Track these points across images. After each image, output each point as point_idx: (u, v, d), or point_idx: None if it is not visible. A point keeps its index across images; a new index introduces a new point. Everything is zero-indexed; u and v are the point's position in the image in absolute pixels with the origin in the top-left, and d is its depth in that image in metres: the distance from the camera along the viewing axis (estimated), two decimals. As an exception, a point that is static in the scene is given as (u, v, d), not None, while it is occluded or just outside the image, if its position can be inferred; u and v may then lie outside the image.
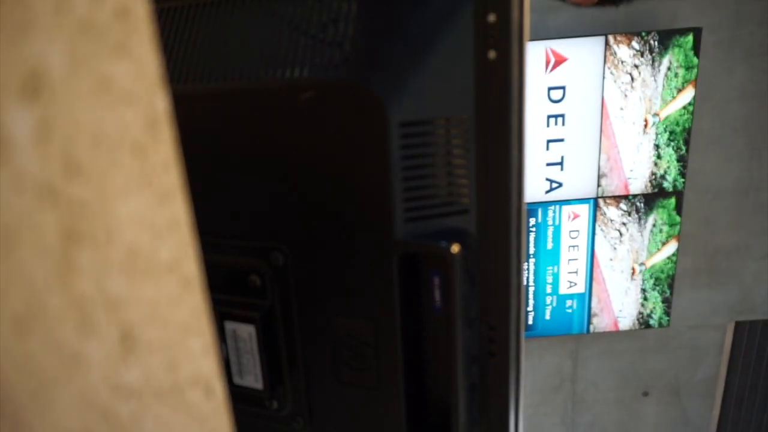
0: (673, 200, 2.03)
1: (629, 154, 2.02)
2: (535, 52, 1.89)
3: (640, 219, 2.07)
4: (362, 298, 0.35)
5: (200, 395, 0.17)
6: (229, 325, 0.37)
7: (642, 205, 2.04)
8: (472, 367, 0.36)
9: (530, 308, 2.23)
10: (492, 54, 0.31)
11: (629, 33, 1.83)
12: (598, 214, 2.07)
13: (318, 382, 0.38)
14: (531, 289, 2.21)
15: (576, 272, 2.16)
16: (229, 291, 0.37)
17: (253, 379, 0.37)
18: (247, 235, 0.36)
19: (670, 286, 2.13)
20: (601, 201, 2.07)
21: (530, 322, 2.23)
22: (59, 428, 0.10)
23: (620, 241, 2.12)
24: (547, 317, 2.20)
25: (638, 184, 2.03)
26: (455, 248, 0.32)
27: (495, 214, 0.33)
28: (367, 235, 0.33)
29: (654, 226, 2.09)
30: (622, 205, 2.05)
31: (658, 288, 2.14)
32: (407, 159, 0.31)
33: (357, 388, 0.37)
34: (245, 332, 0.36)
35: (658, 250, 2.10)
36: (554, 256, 2.15)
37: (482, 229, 0.34)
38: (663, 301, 2.15)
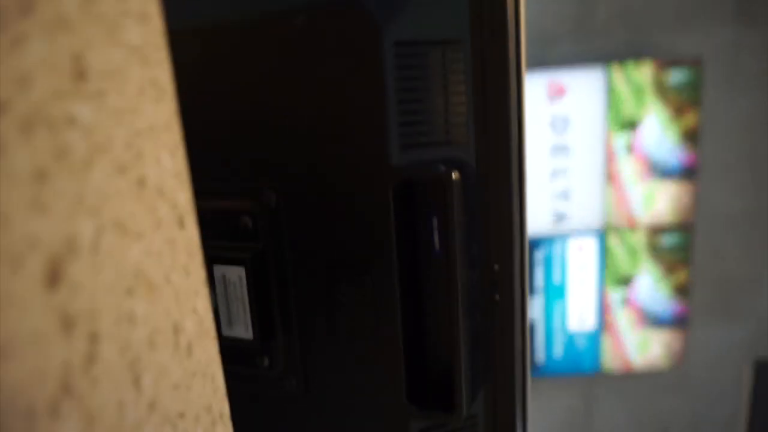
0: (683, 231, 2.01)
1: (634, 185, 2.02)
2: (535, 83, 1.92)
3: (648, 250, 2.04)
4: (358, 236, 0.33)
5: (170, 214, 0.16)
6: (219, 270, 0.35)
7: (650, 236, 2.02)
8: (475, 312, 0.34)
9: (539, 346, 2.17)
10: (487, -23, 0.31)
11: (630, 62, 1.86)
12: (606, 246, 2.04)
13: (312, 334, 0.36)
14: (540, 326, 2.17)
15: (586, 308, 2.11)
16: (219, 235, 0.36)
17: (242, 328, 0.35)
18: (237, 175, 0.35)
19: (684, 322, 2.07)
20: (607, 232, 2.05)
21: (540, 361, 2.16)
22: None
23: (629, 274, 2.08)
24: (557, 356, 2.13)
25: (644, 215, 2.02)
26: (455, 174, 0.31)
27: (494, 144, 0.32)
28: (362, 163, 0.32)
29: (663, 258, 2.06)
30: (630, 237, 2.03)
31: (671, 323, 2.08)
32: (403, 80, 0.31)
33: (353, 338, 0.34)
34: (235, 275, 0.34)
35: (669, 283, 2.06)
36: (562, 291, 2.11)
37: (481, 161, 0.33)
38: (677, 337, 2.09)
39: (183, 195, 0.16)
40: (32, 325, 0.09)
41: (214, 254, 0.35)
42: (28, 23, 0.09)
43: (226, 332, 0.36)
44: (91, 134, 0.12)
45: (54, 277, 0.10)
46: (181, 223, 0.16)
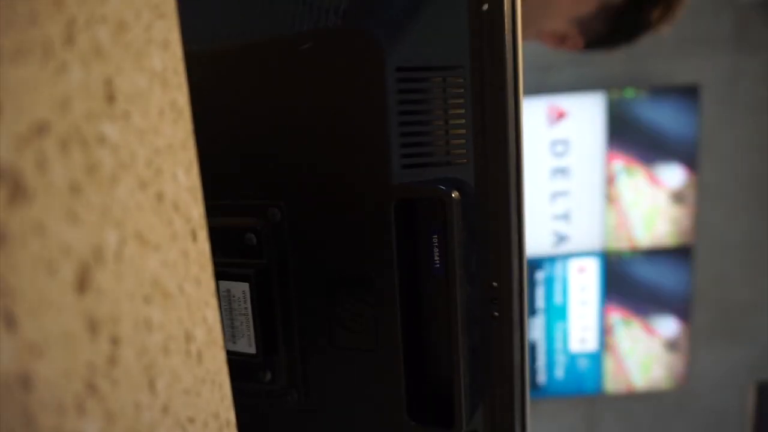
0: (682, 254, 2.01)
1: (635, 207, 2.02)
2: (536, 108, 1.95)
3: (649, 273, 2.04)
4: (360, 253, 0.34)
5: (184, 228, 0.17)
6: (223, 285, 0.36)
7: (651, 258, 2.02)
8: (474, 328, 0.34)
9: (541, 367, 2.16)
10: (486, 6, 0.32)
11: (628, 88, 1.88)
12: (608, 266, 2.04)
13: (313, 349, 0.36)
14: (541, 347, 2.15)
15: (587, 329, 2.10)
16: (223, 253, 0.37)
17: (246, 342, 0.36)
18: (242, 194, 0.36)
19: (687, 344, 2.06)
20: (608, 254, 2.05)
21: (540, 381, 2.15)
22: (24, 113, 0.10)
23: (632, 295, 2.08)
24: (558, 376, 2.12)
25: (645, 237, 2.02)
26: (455, 193, 0.32)
27: (493, 165, 0.33)
28: (364, 183, 0.33)
29: (663, 280, 2.06)
30: (630, 258, 2.03)
31: (674, 345, 2.07)
32: (404, 104, 0.32)
33: (354, 353, 0.35)
34: (239, 291, 0.35)
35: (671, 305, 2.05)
36: (564, 312, 2.10)
37: (480, 181, 0.34)
38: (679, 359, 2.08)
39: (196, 210, 0.17)
40: (63, 326, 0.10)
41: (219, 270, 0.36)
42: (69, 53, 0.11)
43: (229, 347, 0.36)
44: (118, 152, 0.13)
45: (83, 283, 0.11)
46: (194, 236, 0.17)
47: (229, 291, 0.36)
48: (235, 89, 0.36)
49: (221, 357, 0.19)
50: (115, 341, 0.12)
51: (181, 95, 0.17)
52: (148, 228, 0.14)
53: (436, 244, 0.34)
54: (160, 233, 0.15)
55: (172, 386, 0.15)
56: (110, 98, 0.13)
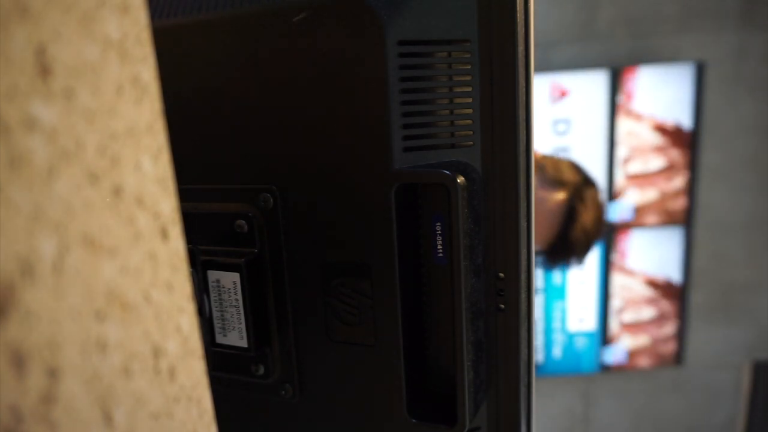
0: (683, 232, 2.00)
1: (637, 184, 2.00)
2: (539, 86, 1.91)
3: (649, 251, 2.03)
4: (358, 240, 0.32)
5: (151, 226, 0.14)
6: (213, 275, 0.34)
7: (652, 236, 2.00)
8: (479, 321, 0.32)
9: (539, 346, 2.17)
10: (495, -26, 0.29)
11: (633, 66, 1.84)
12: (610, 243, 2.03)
13: (308, 342, 0.34)
14: (540, 326, 2.15)
15: (586, 308, 2.10)
16: (213, 240, 0.35)
17: (237, 335, 0.34)
18: (233, 178, 0.34)
19: (684, 324, 2.06)
20: (609, 232, 2.03)
21: (539, 360, 2.15)
22: None
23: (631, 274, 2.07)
24: (556, 355, 2.12)
25: (649, 215, 2.00)
26: (460, 178, 0.29)
27: (501, 149, 0.31)
28: (362, 166, 0.30)
29: (663, 258, 2.05)
30: (631, 236, 2.02)
31: (671, 324, 2.07)
32: (406, 81, 0.29)
33: (351, 347, 0.33)
34: (229, 281, 0.33)
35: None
36: (563, 292, 2.10)
37: (487, 165, 0.31)
38: (677, 339, 2.08)
39: (167, 203, 0.15)
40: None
41: (207, 259, 0.34)
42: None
43: (220, 340, 0.34)
44: (56, 139, 0.10)
45: (1, 307, 0.08)
46: (164, 235, 0.15)
47: (218, 281, 0.34)
48: (222, 63, 0.33)
49: (199, 368, 0.16)
50: (52, 373, 0.10)
51: (146, 69, 0.14)
52: (100, 230, 0.12)
53: (440, 232, 0.31)
54: (118, 234, 0.12)
55: (134, 414, 0.12)
56: (44, 72, 0.10)
